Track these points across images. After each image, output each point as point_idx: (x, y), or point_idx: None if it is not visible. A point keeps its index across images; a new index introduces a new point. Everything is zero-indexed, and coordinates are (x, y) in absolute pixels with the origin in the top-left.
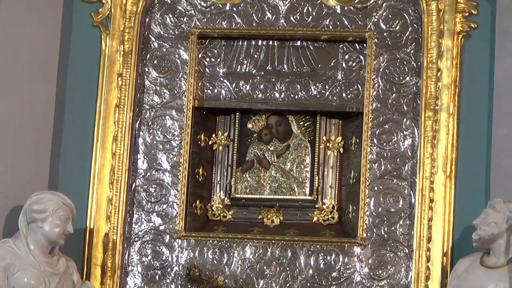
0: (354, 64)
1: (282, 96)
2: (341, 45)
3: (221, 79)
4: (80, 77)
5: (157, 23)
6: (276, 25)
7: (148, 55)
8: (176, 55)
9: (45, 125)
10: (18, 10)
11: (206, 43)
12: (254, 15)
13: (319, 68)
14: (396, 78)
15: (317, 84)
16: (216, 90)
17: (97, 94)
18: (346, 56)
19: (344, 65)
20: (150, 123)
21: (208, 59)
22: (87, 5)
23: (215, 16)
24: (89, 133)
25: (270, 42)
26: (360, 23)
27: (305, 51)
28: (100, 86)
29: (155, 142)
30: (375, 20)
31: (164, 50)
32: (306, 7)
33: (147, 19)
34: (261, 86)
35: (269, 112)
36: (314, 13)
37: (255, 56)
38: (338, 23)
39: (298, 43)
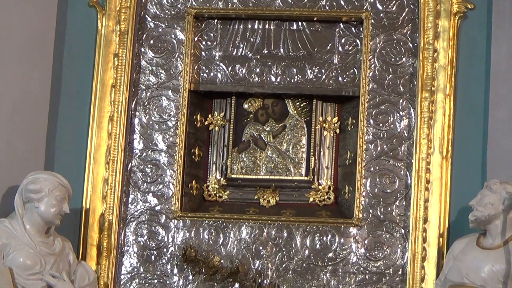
0: (350, 48)
1: (278, 79)
2: (337, 29)
3: (217, 62)
4: (76, 57)
5: (153, 3)
6: (273, 6)
7: (144, 35)
8: (172, 35)
9: (41, 105)
10: None
11: (202, 26)
12: None
13: (315, 51)
14: (393, 59)
15: (313, 68)
16: (212, 74)
17: (93, 74)
18: (343, 40)
19: (340, 48)
20: (146, 103)
21: (204, 42)
22: None
23: None
24: (85, 113)
25: (266, 26)
26: (356, 3)
27: (301, 35)
28: (96, 66)
29: (151, 122)
30: (372, 0)
31: (160, 30)
32: None
33: None
34: (257, 70)
35: (265, 95)
36: None
37: (251, 39)
38: (334, 3)
39: (295, 26)
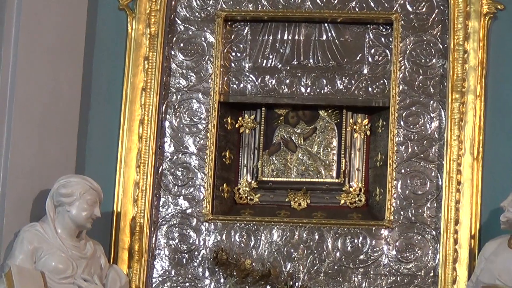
0: (380, 58)
1: (308, 90)
2: (366, 39)
3: (247, 73)
4: (107, 61)
5: (183, 6)
6: (302, 8)
7: (175, 38)
8: (202, 38)
9: (71, 109)
10: None
11: (232, 37)
12: None
13: (345, 62)
14: (423, 61)
15: (343, 79)
16: (242, 85)
17: (124, 78)
18: (372, 50)
19: (370, 59)
20: (176, 106)
21: (233, 54)
22: None
23: None
24: (115, 117)
25: (296, 36)
26: (386, 5)
27: (331, 45)
28: (127, 69)
29: (181, 125)
30: (402, 2)
31: (190, 33)
32: None
33: (173, 2)
34: (287, 81)
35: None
36: None
37: (281, 50)
38: (364, 5)
39: (324, 36)
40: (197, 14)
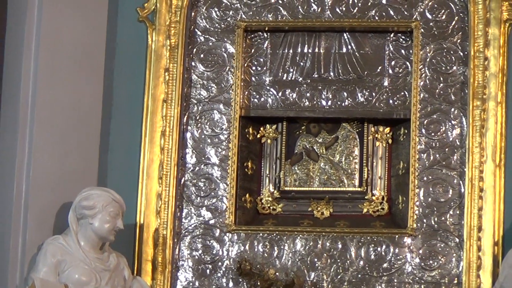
0: (400, 70)
1: (329, 103)
2: (387, 51)
3: (268, 87)
4: (127, 73)
5: (203, 17)
6: (322, 17)
7: (195, 49)
8: (223, 49)
9: (93, 121)
10: (63, 6)
11: (252, 51)
12: (299, 7)
13: (365, 75)
14: (443, 68)
15: (364, 91)
16: (262, 99)
17: (144, 89)
18: (393, 63)
19: (390, 71)
20: (198, 117)
21: (254, 68)
22: (132, 0)
23: (260, 9)
24: (137, 129)
25: (316, 50)
26: (406, 13)
27: (351, 58)
28: (147, 81)
29: (203, 136)
30: (421, 10)
31: (210, 44)
32: None
33: (193, 13)
34: (308, 94)
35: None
36: (360, 4)
37: (301, 64)
38: (384, 13)
39: (344, 49)
40: (217, 25)
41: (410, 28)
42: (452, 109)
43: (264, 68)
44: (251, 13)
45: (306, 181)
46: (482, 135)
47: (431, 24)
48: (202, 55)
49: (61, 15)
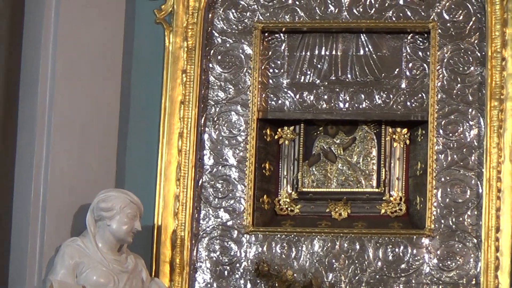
0: (418, 72)
1: (347, 105)
2: (404, 54)
3: (285, 90)
4: (144, 74)
5: (220, 18)
6: (339, 18)
7: (212, 51)
8: (240, 50)
9: (110, 123)
10: (80, 7)
11: (269, 54)
12: (317, 8)
13: (382, 77)
14: (461, 69)
15: (381, 93)
16: (280, 101)
17: (162, 91)
18: (410, 65)
19: (407, 73)
20: (215, 118)
21: (271, 70)
22: (149, 2)
23: (278, 10)
24: (154, 130)
25: (333, 52)
26: (423, 14)
27: (368, 60)
28: (165, 82)
29: (221, 137)
30: (438, 10)
31: (227, 45)
32: (368, 0)
33: (210, 15)
34: (325, 96)
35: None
36: (376, 5)
37: (319, 66)
38: (401, 14)
39: (361, 51)
40: (234, 26)
41: (427, 29)
42: (470, 110)
43: (282, 71)
44: (268, 14)
45: (324, 182)
46: (500, 136)
47: (448, 24)
48: (219, 57)
49: (79, 17)
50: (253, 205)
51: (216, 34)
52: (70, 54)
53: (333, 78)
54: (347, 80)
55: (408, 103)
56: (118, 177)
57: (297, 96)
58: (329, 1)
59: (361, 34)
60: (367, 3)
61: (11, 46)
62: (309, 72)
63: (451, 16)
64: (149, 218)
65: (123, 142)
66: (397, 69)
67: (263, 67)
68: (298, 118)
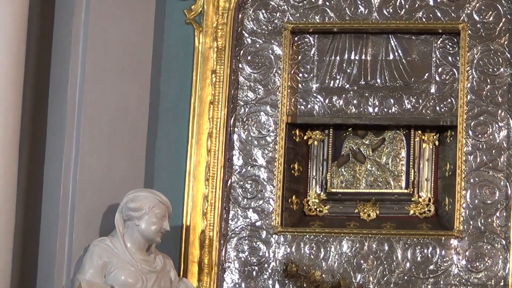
0: (447, 77)
1: (376, 110)
2: (434, 58)
3: (314, 94)
4: (174, 74)
5: (250, 18)
6: (369, 19)
7: (242, 51)
8: (270, 51)
9: (139, 122)
10: (110, 8)
11: (299, 58)
12: (347, 9)
13: (412, 81)
14: (490, 70)
15: (411, 98)
16: (309, 106)
17: (191, 91)
18: (439, 69)
19: (437, 78)
20: (244, 119)
21: (301, 75)
22: (179, 2)
23: (308, 11)
24: (183, 130)
25: (363, 56)
26: (453, 15)
27: (398, 65)
28: (194, 83)
29: (250, 138)
30: (468, 11)
31: (257, 45)
32: (399, 0)
33: (240, 15)
34: (355, 101)
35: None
36: (407, 6)
37: (348, 70)
38: (431, 15)
39: (391, 56)
40: (264, 26)
41: (457, 30)
42: (499, 111)
43: (311, 75)
44: (298, 15)
45: (352, 183)
46: None
47: (478, 25)
48: (249, 57)
49: (109, 16)
50: (282, 205)
51: (246, 35)
52: (99, 54)
53: (363, 82)
54: (377, 84)
55: (438, 108)
56: (147, 177)
57: (327, 101)
58: (359, 2)
59: (391, 39)
60: (397, 4)
61: (41, 46)
62: (338, 77)
63: (481, 17)
64: (178, 218)
65: (152, 142)
66: (426, 74)
67: (292, 72)
68: (327, 122)
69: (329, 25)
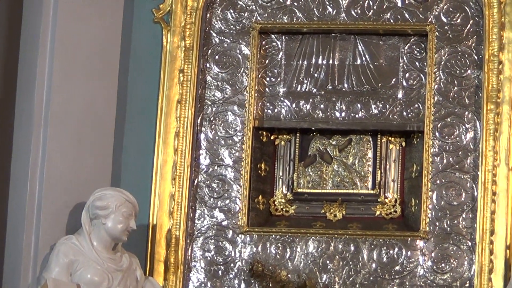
0: (414, 83)
1: (343, 115)
2: (401, 64)
3: (281, 98)
4: (142, 73)
5: (218, 18)
6: (337, 19)
7: (210, 51)
8: (238, 51)
9: (107, 121)
10: (78, 6)
11: (266, 62)
12: (315, 9)
13: (379, 86)
14: (458, 71)
15: (378, 103)
16: (276, 110)
17: (159, 90)
18: (407, 75)
19: (404, 83)
20: (212, 118)
21: (268, 79)
22: (148, 1)
23: (276, 11)
24: (151, 129)
25: (330, 61)
26: (421, 16)
27: (365, 70)
28: (162, 82)
29: (217, 137)
30: (436, 13)
31: (225, 45)
32: (367, 1)
33: (208, 15)
34: (322, 106)
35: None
36: (375, 7)
37: (315, 75)
38: (399, 16)
39: (358, 61)
40: (232, 26)
41: (425, 31)
42: (466, 113)
43: (278, 79)
44: (266, 15)
45: (319, 183)
46: (496, 139)
47: (446, 27)
48: (217, 57)
49: (77, 15)
50: (248, 205)
51: (214, 34)
52: (67, 52)
53: (330, 87)
54: (344, 89)
55: (404, 113)
56: (113, 176)
57: (294, 105)
58: (327, 3)
59: (359, 43)
60: (365, 5)
61: (8, 44)
62: (305, 81)
63: (448, 19)
64: (144, 217)
65: (119, 140)
66: (394, 79)
67: (260, 75)
68: (294, 127)
69: (297, 25)
